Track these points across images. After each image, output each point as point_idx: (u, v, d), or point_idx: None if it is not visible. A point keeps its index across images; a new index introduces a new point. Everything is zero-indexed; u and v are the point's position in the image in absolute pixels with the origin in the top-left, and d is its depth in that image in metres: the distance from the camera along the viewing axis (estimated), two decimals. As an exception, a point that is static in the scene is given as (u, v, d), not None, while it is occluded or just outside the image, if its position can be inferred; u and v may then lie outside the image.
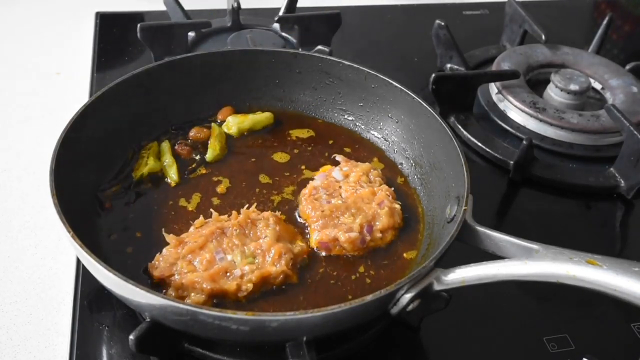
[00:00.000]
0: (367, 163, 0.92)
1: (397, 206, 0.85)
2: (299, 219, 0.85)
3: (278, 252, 0.75)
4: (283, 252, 0.76)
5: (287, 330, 0.62)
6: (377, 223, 0.82)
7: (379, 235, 0.82)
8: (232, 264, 0.75)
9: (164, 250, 0.76)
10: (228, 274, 0.74)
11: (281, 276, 0.74)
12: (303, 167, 0.94)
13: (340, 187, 0.87)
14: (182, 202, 0.86)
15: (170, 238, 0.77)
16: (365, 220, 0.82)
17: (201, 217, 0.81)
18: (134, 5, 1.42)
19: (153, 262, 0.75)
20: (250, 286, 0.72)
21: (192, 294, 0.71)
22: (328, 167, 0.92)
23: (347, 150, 0.97)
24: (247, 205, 0.84)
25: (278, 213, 0.84)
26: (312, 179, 0.90)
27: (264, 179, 0.91)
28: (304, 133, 0.99)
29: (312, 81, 1.01)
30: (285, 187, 0.90)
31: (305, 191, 0.87)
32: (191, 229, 0.80)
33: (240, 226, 0.79)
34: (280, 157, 0.95)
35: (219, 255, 0.75)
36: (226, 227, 0.78)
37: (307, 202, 0.85)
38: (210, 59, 0.98)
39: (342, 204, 0.84)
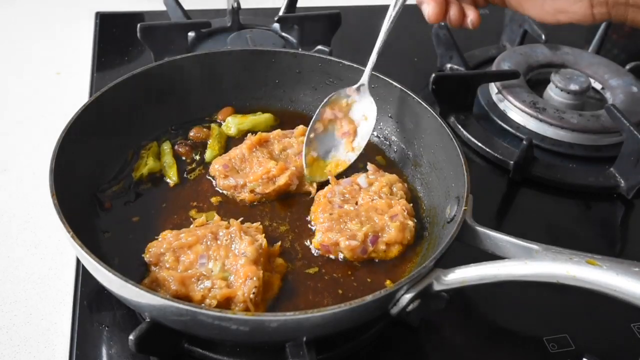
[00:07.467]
0: (394, 175, 0.90)
1: (411, 223, 0.82)
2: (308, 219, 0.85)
3: (246, 274, 0.71)
4: (250, 276, 0.70)
5: (287, 330, 0.62)
6: (385, 235, 0.80)
7: (382, 247, 0.80)
8: (209, 272, 0.73)
9: (160, 235, 0.77)
10: (199, 281, 0.72)
11: (241, 304, 0.70)
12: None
13: (360, 194, 0.86)
14: (181, 202, 0.86)
15: (168, 232, 0.78)
16: (372, 230, 0.80)
17: (203, 217, 0.81)
18: (134, 5, 1.42)
19: (151, 244, 0.76)
20: (214, 302, 0.69)
21: (161, 291, 0.71)
22: (360, 174, 0.90)
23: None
24: (240, 219, 0.81)
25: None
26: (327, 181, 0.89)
27: (263, 179, 0.91)
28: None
29: (312, 81, 1.01)
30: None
31: (320, 193, 0.86)
32: (191, 226, 0.80)
33: (230, 236, 0.76)
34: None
35: (202, 259, 0.74)
36: (219, 234, 0.76)
37: (319, 203, 0.84)
38: (210, 59, 0.98)
39: (353, 210, 0.83)
